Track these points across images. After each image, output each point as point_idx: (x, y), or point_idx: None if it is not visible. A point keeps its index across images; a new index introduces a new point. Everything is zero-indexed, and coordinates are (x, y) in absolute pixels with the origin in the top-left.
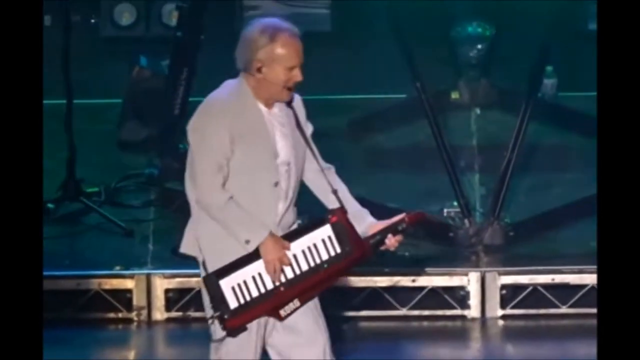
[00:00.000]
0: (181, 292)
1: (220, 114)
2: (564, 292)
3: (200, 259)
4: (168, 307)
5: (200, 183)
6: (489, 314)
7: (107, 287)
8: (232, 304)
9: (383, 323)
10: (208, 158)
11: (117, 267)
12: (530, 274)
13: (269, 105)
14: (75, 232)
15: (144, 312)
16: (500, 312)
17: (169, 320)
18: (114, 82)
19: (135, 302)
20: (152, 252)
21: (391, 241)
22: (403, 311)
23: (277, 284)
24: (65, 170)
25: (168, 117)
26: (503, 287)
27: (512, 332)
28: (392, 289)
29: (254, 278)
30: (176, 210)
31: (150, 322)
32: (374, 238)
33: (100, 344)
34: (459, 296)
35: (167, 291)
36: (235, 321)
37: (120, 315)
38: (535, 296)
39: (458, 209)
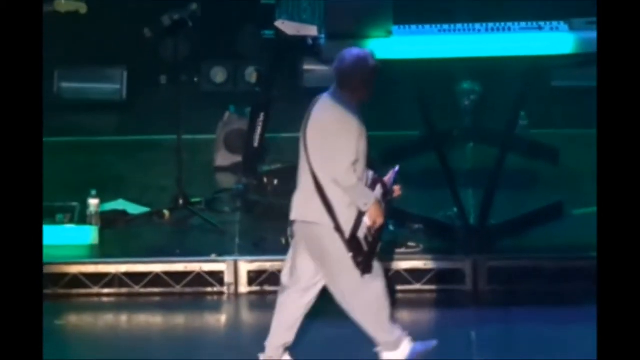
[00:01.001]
0: (259, 272)
1: (353, 124)
2: (533, 273)
3: (326, 225)
4: (250, 283)
5: (342, 171)
6: (480, 288)
7: (206, 269)
8: (365, 249)
9: (404, 295)
10: (349, 156)
11: (213, 255)
12: (508, 260)
13: None
14: (184, 230)
15: (232, 287)
16: (488, 287)
17: (250, 293)
18: (211, 124)
19: (226, 280)
20: (238, 244)
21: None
22: (418, 286)
23: (374, 231)
24: (176, 187)
25: (250, 149)
26: (490, 268)
27: (495, 300)
28: (410, 270)
29: (368, 229)
30: (256, 215)
31: (237, 295)
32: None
33: (201, 310)
34: (458, 276)
35: (249, 272)
36: (369, 261)
37: (215, 289)
38: (511, 274)
39: (457, 214)
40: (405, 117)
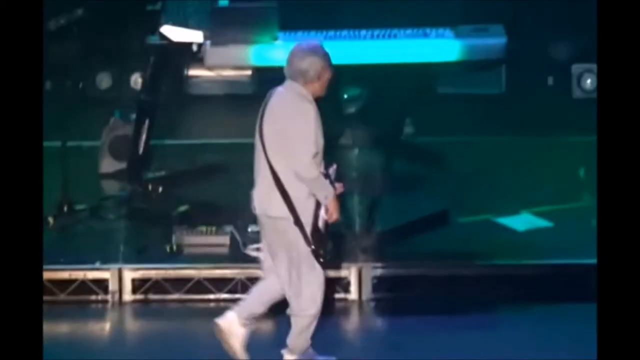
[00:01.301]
0: (143, 280)
1: (311, 117)
2: (419, 280)
3: (288, 218)
4: (134, 291)
5: (305, 163)
6: (364, 297)
7: (90, 277)
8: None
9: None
10: (310, 148)
11: (98, 263)
12: (394, 267)
13: None
14: (68, 237)
15: (116, 295)
16: (372, 295)
17: (134, 301)
18: (96, 130)
19: (110, 287)
20: (123, 252)
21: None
22: None
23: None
24: (61, 193)
25: (134, 155)
26: (375, 277)
27: (380, 310)
28: None
29: (325, 223)
30: (140, 223)
31: (121, 303)
32: None
33: (85, 318)
34: (343, 283)
35: (133, 280)
36: (326, 255)
37: (99, 297)
38: (397, 283)
39: (342, 221)
40: None
